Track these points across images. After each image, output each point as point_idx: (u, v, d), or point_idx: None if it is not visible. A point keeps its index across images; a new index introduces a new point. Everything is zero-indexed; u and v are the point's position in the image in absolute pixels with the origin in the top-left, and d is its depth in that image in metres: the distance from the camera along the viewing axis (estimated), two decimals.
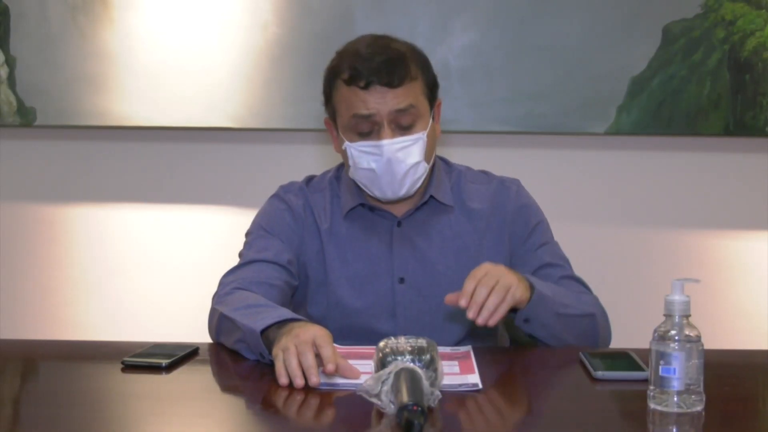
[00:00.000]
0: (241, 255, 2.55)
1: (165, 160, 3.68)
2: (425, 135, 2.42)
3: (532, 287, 2.24)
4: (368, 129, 2.39)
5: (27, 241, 3.73)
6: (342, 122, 2.44)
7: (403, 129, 2.39)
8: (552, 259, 2.52)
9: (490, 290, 2.12)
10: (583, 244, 3.53)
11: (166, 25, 3.55)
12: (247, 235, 2.60)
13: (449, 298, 2.15)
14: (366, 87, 2.36)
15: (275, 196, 2.63)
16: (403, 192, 2.45)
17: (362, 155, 2.41)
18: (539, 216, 2.59)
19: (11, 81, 3.58)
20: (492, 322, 2.12)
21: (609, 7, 3.48)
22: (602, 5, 3.48)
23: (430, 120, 2.45)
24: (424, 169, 2.44)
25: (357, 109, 2.38)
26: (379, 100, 2.36)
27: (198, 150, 3.67)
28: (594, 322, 2.32)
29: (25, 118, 3.60)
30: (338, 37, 3.47)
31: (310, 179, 2.65)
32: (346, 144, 2.43)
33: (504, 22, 3.51)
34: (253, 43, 3.54)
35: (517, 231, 2.54)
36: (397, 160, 2.38)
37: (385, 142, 2.37)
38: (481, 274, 2.14)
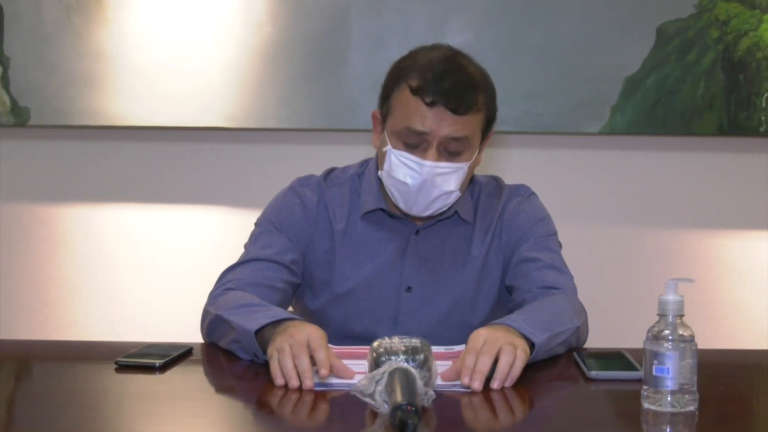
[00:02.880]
0: (245, 247, 2.53)
1: (159, 160, 3.68)
2: (467, 166, 2.37)
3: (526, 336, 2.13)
4: (417, 143, 2.33)
5: (21, 241, 3.73)
6: (393, 126, 2.37)
7: (449, 155, 2.34)
8: (531, 252, 2.49)
9: (494, 358, 1.98)
10: (578, 243, 3.52)
11: (160, 24, 3.55)
12: (256, 225, 2.57)
13: (445, 375, 2.00)
14: (431, 105, 2.29)
15: (290, 188, 2.58)
16: (428, 213, 2.41)
17: (401, 166, 2.35)
18: (535, 218, 2.54)
19: (5, 80, 3.58)
20: (509, 383, 1.97)
21: (603, 7, 3.48)
22: (596, 6, 3.48)
23: (477, 151, 2.40)
24: (455, 197, 2.40)
25: (413, 123, 2.31)
26: (438, 122, 2.30)
27: (192, 150, 3.67)
28: (578, 333, 2.31)
29: (19, 117, 3.60)
30: (333, 36, 3.52)
31: (329, 172, 2.60)
32: (389, 148, 2.37)
33: (499, 23, 3.51)
34: (247, 42, 3.55)
35: (511, 238, 2.52)
36: (433, 184, 2.33)
37: (428, 163, 2.31)
38: (479, 344, 1.99)
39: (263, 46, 3.55)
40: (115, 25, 3.56)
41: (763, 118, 3.48)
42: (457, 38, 3.47)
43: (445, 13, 3.51)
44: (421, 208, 2.39)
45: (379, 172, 2.43)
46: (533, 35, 3.51)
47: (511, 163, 3.60)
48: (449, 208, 2.47)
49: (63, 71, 3.58)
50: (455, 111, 2.29)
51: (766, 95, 3.47)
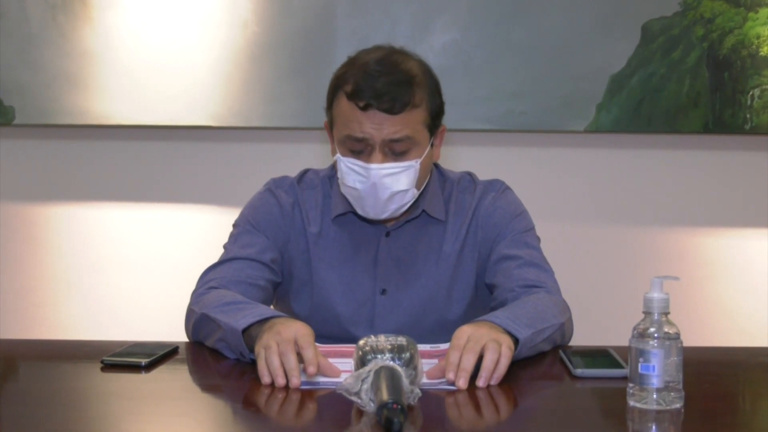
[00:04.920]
0: (225, 248, 2.54)
1: (145, 159, 3.68)
2: (418, 163, 2.36)
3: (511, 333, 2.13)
4: (360, 148, 2.34)
5: (7, 241, 3.72)
6: (337, 135, 2.39)
7: (396, 155, 2.34)
8: (510, 250, 2.48)
9: (477, 355, 1.98)
10: (564, 241, 3.54)
11: (145, 23, 3.55)
12: (234, 226, 2.57)
13: (431, 373, 2.00)
14: (365, 109, 2.30)
15: (266, 189, 2.59)
16: (385, 215, 2.41)
17: (350, 172, 2.36)
18: (512, 214, 2.54)
19: None
20: (495, 381, 1.97)
21: (588, 5, 3.49)
22: (581, 4, 3.49)
23: (428, 147, 2.40)
24: (411, 196, 2.40)
25: (352, 130, 2.33)
26: (375, 126, 2.31)
27: (178, 149, 3.67)
28: (563, 329, 2.31)
29: (3, 117, 3.58)
30: (318, 35, 3.51)
31: (303, 174, 2.61)
32: (338, 156, 2.38)
33: (484, 21, 3.51)
34: (233, 41, 3.54)
35: (488, 235, 2.51)
36: (382, 186, 2.34)
37: (373, 166, 2.32)
38: (463, 341, 1.99)
39: (249, 45, 3.54)
40: (100, 25, 3.55)
41: (748, 115, 3.49)
42: (442, 37, 3.49)
43: (430, 12, 3.51)
44: (378, 211, 2.40)
45: (340, 187, 2.45)
46: (518, 34, 3.52)
47: (496, 161, 3.60)
48: (416, 208, 2.48)
49: (48, 70, 3.57)
50: (390, 111, 2.30)
51: (751, 93, 3.48)
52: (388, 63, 2.35)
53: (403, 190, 2.37)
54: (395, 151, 2.34)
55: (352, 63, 2.40)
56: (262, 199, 2.57)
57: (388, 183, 2.34)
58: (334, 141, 2.43)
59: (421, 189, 2.45)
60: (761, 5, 3.45)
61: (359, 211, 2.43)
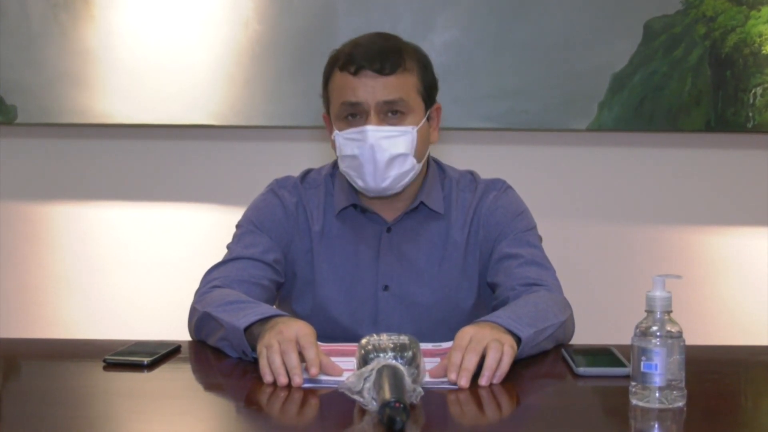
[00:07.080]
0: (228, 248, 2.54)
1: (146, 158, 3.68)
2: (415, 131, 2.38)
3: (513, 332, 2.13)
4: (356, 112, 2.37)
5: (8, 240, 3.72)
6: (334, 111, 2.42)
7: (392, 119, 2.37)
8: (512, 249, 2.48)
9: (480, 355, 1.98)
10: (566, 240, 3.54)
11: (147, 22, 3.55)
12: (238, 226, 2.57)
13: (433, 372, 1.99)
14: (356, 72, 2.35)
15: (269, 190, 2.59)
16: (386, 183, 2.40)
17: (347, 143, 2.38)
18: (513, 213, 2.54)
19: None
20: (498, 379, 1.97)
21: (590, 3, 3.48)
22: (583, 2, 3.48)
23: (424, 120, 2.43)
24: (411, 164, 2.40)
25: (346, 97, 2.37)
26: (369, 89, 2.35)
27: (179, 148, 3.66)
28: (564, 327, 2.31)
29: (5, 115, 3.58)
30: (320, 34, 3.51)
31: (306, 174, 2.62)
32: (335, 133, 2.41)
33: (486, 19, 3.51)
34: (234, 40, 3.54)
35: (490, 234, 2.51)
36: (380, 148, 2.35)
37: (370, 128, 2.35)
38: (466, 341, 1.99)
39: (250, 44, 3.54)
40: (101, 23, 3.55)
41: (750, 114, 3.48)
42: (443, 35, 3.49)
43: (431, 10, 3.51)
44: (378, 178, 2.39)
45: (340, 166, 2.47)
46: (520, 32, 3.51)
47: (498, 160, 3.59)
48: (414, 200, 2.49)
49: (50, 69, 3.57)
50: (381, 71, 2.35)
51: (753, 91, 3.48)
52: (380, 36, 2.45)
53: (401, 154, 2.38)
54: (390, 114, 2.37)
55: (344, 45, 2.47)
56: (266, 200, 2.58)
57: (385, 145, 2.36)
58: (332, 127, 2.45)
59: (421, 164, 2.46)
60: (763, 3, 3.45)
61: (360, 183, 2.42)
